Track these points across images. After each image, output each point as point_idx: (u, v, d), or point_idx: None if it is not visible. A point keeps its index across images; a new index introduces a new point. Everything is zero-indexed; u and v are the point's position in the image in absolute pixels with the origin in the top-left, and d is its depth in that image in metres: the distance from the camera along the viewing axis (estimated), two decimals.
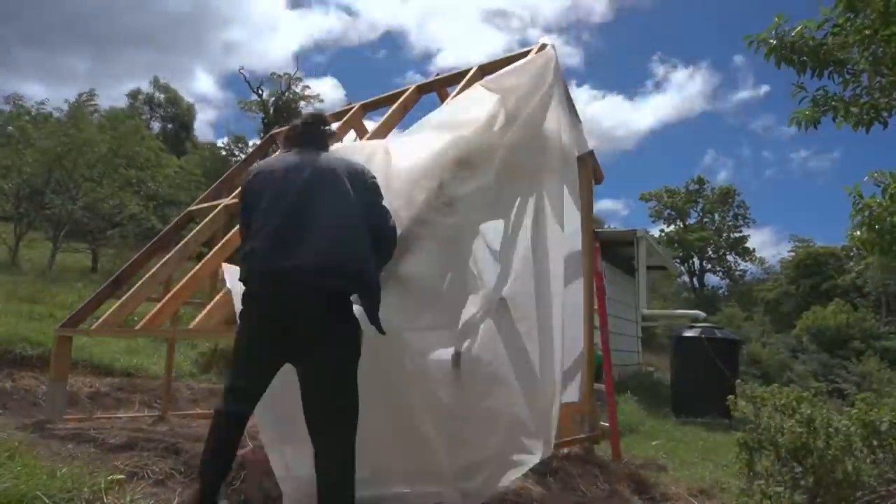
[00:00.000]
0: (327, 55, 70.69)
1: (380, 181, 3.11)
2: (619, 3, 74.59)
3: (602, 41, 77.82)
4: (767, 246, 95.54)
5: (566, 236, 3.85)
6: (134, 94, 41.42)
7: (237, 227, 4.82)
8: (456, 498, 3.05)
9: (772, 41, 4.64)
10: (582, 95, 73.46)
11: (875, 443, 3.37)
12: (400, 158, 3.64)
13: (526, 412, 3.28)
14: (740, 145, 78.18)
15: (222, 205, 5.55)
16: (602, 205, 76.71)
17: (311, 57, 71.42)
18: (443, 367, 3.25)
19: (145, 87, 41.75)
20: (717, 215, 46.87)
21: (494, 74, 4.09)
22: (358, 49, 71.80)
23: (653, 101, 77.80)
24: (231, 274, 3.35)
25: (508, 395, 3.30)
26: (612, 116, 78.09)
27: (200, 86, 65.85)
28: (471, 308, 3.38)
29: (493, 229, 3.68)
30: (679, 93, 75.64)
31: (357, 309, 2.80)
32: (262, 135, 36.26)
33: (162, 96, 42.13)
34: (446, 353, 3.27)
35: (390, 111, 5.39)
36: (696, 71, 77.89)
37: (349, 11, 78.77)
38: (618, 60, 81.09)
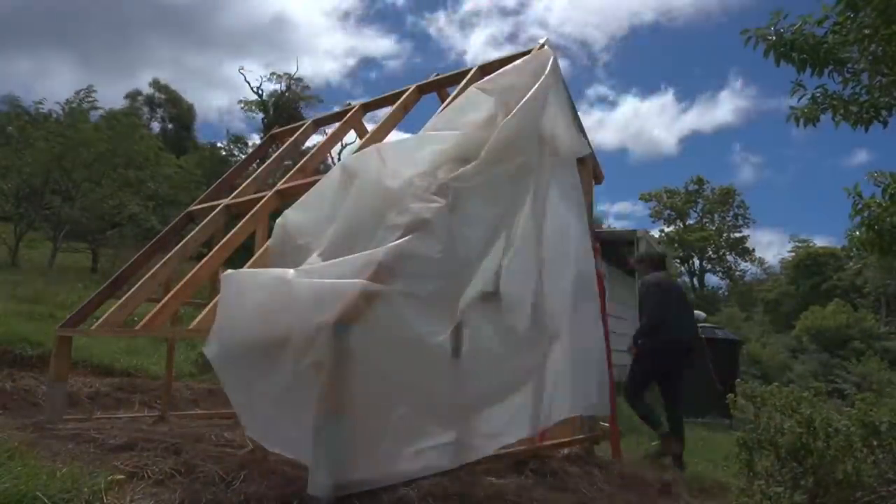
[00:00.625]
0: (383, 78, 71.17)
1: (372, 184, 3.42)
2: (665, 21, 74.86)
3: (651, 56, 78.16)
4: (781, 245, 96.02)
5: (564, 236, 3.87)
6: (133, 95, 41.41)
7: (237, 227, 4.85)
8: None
9: (770, 37, 4.62)
10: (627, 99, 73.78)
11: (875, 443, 3.37)
12: (394, 159, 3.66)
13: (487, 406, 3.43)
14: (781, 148, 77.34)
15: (222, 205, 5.55)
16: (621, 207, 77.22)
17: (369, 80, 71.59)
18: (441, 355, 3.35)
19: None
20: (716, 215, 46.87)
21: (490, 76, 4.09)
22: (415, 74, 72.46)
23: (697, 106, 78.37)
24: (228, 282, 3.32)
25: (480, 388, 3.43)
26: (654, 121, 78.62)
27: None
28: (465, 300, 3.43)
29: (485, 221, 3.69)
30: (726, 100, 75.62)
31: None
32: (262, 135, 36.26)
33: (162, 97, 42.13)
34: (445, 342, 3.35)
35: (390, 111, 5.39)
36: (747, 82, 77.30)
37: (414, 37, 78.99)
38: (668, 69, 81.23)
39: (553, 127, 3.93)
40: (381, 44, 73.18)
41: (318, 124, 6.79)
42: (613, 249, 13.75)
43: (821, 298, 29.18)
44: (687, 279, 45.47)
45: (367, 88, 70.69)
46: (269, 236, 4.74)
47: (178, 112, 42.47)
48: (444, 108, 4.35)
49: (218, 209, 5.48)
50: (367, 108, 6.20)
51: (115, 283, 5.63)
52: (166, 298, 4.59)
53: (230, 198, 5.69)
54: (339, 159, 27.54)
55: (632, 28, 76.96)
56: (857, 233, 4.67)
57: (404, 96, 5.47)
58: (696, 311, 17.38)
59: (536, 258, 3.66)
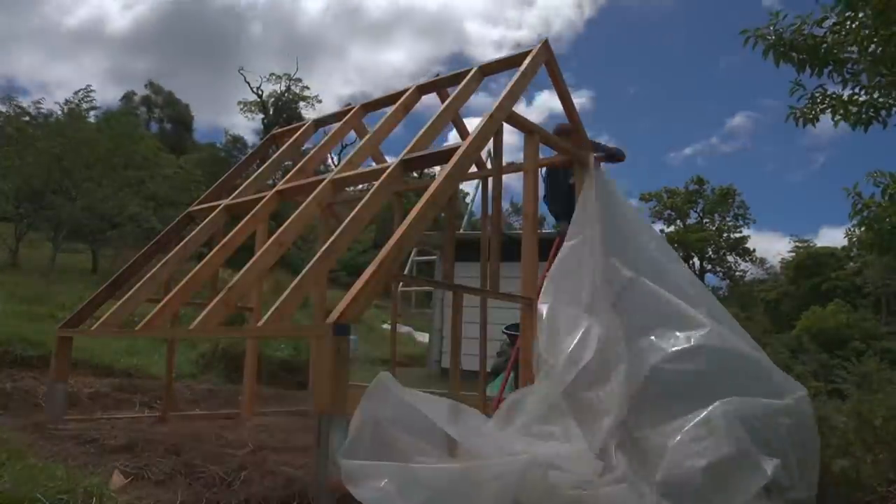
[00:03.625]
0: None
1: None
2: None
3: None
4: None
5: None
6: (129, 96, 41.44)
7: (237, 227, 4.85)
8: None
9: (769, 37, 4.62)
10: None
11: (870, 439, 3.37)
12: None
13: None
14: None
15: (222, 205, 5.55)
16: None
17: None
18: None
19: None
20: (717, 215, 46.82)
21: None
22: None
23: None
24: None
25: None
26: None
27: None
28: None
29: None
30: None
31: None
32: (261, 136, 36.26)
33: (158, 98, 42.17)
34: None
35: (391, 111, 5.39)
36: None
37: None
38: None
39: None
40: None
41: (318, 125, 6.79)
42: None
43: (821, 298, 29.14)
44: None
45: None
46: (268, 237, 4.74)
47: (177, 113, 42.50)
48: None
49: (218, 210, 5.49)
50: (368, 108, 6.20)
51: (115, 284, 5.63)
52: (166, 298, 4.59)
53: (230, 198, 5.70)
54: (339, 160, 27.53)
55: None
56: (857, 232, 4.68)
57: (404, 96, 5.47)
58: None
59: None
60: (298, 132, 6.42)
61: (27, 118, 18.57)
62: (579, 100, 69.73)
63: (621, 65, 78.70)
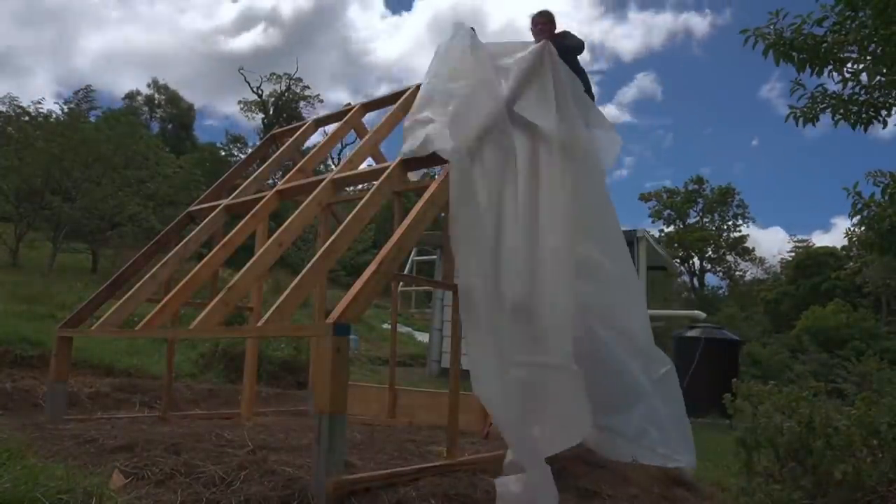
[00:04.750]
0: None
1: None
2: None
3: None
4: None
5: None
6: (132, 95, 41.43)
7: (237, 227, 4.85)
8: None
9: (769, 37, 4.62)
10: None
11: (875, 443, 3.37)
12: None
13: None
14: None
15: (222, 205, 5.56)
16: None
17: None
18: None
19: None
20: (716, 215, 46.83)
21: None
22: None
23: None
24: None
25: None
26: None
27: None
28: None
29: None
30: None
31: None
32: (261, 135, 36.25)
33: (161, 97, 42.16)
34: None
35: (391, 111, 5.39)
36: None
37: None
38: None
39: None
40: None
41: (318, 124, 6.79)
42: None
43: (821, 298, 29.14)
44: (687, 279, 45.48)
45: None
46: (268, 237, 4.74)
47: (178, 112, 42.49)
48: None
49: (218, 210, 5.49)
50: (368, 108, 6.20)
51: (114, 284, 5.63)
52: (166, 298, 4.60)
53: (230, 198, 5.70)
54: (339, 160, 27.53)
55: None
56: (857, 231, 4.69)
57: (404, 96, 5.47)
58: (695, 311, 17.38)
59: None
60: (298, 132, 6.42)
61: (27, 118, 18.56)
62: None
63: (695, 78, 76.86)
